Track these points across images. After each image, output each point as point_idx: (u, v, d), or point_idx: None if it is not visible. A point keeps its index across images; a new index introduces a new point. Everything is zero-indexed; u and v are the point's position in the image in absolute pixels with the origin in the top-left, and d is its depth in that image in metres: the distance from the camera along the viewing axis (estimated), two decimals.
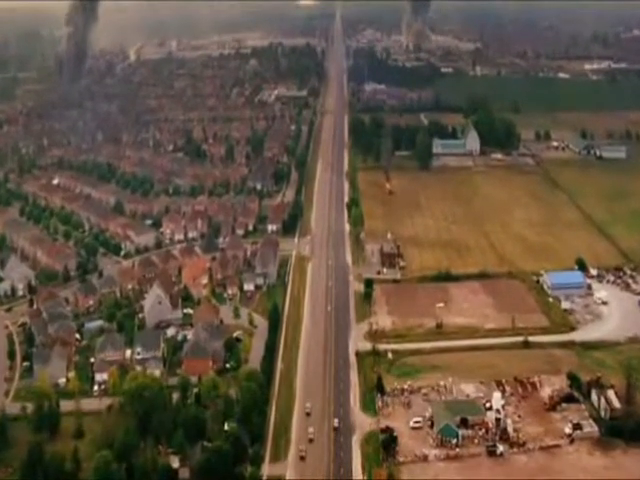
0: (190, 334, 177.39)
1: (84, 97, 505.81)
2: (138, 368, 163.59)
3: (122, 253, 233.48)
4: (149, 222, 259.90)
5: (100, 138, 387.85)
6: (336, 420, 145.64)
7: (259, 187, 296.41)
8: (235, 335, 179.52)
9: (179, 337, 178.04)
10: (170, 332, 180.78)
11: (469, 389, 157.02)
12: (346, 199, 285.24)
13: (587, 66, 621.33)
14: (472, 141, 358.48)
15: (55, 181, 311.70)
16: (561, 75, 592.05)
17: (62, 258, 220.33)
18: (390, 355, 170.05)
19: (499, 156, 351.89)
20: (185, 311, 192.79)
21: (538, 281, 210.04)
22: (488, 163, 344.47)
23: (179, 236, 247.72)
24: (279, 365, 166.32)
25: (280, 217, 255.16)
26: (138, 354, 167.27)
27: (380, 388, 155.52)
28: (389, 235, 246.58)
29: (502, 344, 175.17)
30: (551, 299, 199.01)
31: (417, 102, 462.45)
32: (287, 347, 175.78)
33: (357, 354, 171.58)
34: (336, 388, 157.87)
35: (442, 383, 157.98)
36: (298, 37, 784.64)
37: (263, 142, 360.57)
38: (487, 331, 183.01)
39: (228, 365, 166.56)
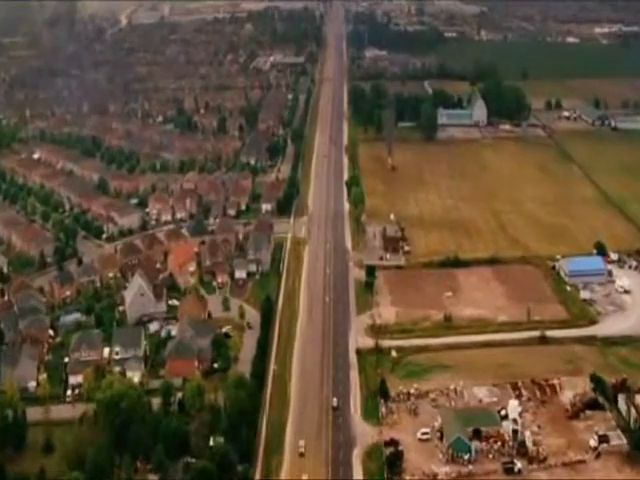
0: (175, 330, 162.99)
1: (71, 64, 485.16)
2: (117, 369, 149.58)
3: (104, 236, 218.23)
4: (134, 201, 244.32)
5: (86, 109, 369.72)
6: (334, 432, 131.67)
7: (253, 162, 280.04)
8: (224, 330, 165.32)
9: (163, 333, 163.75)
10: (153, 327, 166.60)
11: (482, 393, 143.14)
12: (345, 175, 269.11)
13: (597, 30, 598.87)
14: (479, 111, 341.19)
15: (36, 155, 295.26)
16: (570, 39, 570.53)
17: (39, 242, 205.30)
18: (394, 353, 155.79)
19: (508, 127, 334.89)
20: (170, 302, 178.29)
21: (554, 267, 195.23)
22: (496, 135, 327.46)
23: (166, 217, 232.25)
24: (272, 366, 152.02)
25: (275, 196, 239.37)
26: (117, 354, 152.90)
27: (384, 392, 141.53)
28: (392, 216, 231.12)
29: (517, 340, 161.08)
30: (569, 287, 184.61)
31: (420, 69, 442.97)
32: (281, 344, 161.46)
33: (358, 352, 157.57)
34: (335, 392, 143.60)
35: (452, 387, 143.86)
36: (295, 0, 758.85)
37: (257, 113, 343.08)
38: (500, 325, 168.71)
39: (216, 365, 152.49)
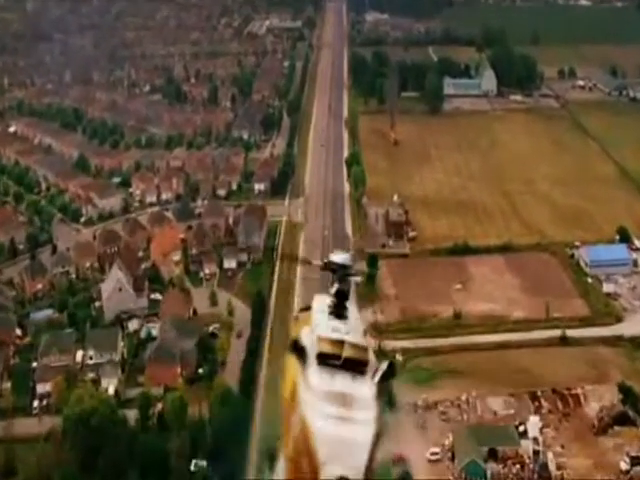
0: (156, 329, 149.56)
1: (54, 29, 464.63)
2: (90, 375, 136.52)
3: (82, 220, 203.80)
4: (117, 180, 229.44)
5: (69, 77, 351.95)
6: None
7: (245, 136, 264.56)
8: (211, 330, 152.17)
9: (143, 333, 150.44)
10: (132, 326, 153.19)
11: (497, 404, 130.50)
12: (345, 151, 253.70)
13: None
14: (488, 80, 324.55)
15: (12, 129, 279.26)
16: (582, 2, 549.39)
17: (10, 228, 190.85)
18: (399, 357, 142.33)
19: (519, 98, 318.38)
20: (153, 296, 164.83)
21: (572, 255, 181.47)
22: (507, 106, 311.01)
23: (151, 198, 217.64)
24: (264, 373, 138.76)
25: (269, 174, 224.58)
26: (90, 358, 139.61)
27: (389, 403, 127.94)
28: (395, 197, 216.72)
29: (534, 340, 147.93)
30: (590, 279, 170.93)
31: (424, 34, 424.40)
32: (274, 346, 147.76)
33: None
34: None
35: (464, 397, 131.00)
36: None
37: (252, 82, 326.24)
38: (515, 322, 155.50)
39: (201, 371, 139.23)
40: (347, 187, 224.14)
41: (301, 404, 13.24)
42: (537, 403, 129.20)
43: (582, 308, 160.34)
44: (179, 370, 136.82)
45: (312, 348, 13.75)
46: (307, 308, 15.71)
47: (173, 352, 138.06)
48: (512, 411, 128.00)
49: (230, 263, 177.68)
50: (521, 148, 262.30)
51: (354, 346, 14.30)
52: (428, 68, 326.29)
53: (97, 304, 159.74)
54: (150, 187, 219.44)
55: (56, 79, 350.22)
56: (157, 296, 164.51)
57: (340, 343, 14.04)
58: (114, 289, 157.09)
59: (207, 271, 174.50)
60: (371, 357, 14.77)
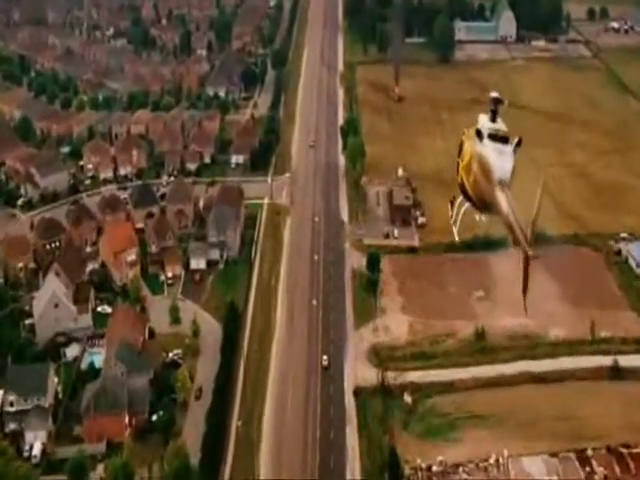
0: (101, 356, 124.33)
1: None
2: (11, 427, 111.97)
3: (19, 203, 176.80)
4: (65, 150, 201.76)
5: (17, 17, 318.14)
6: None
7: (222, 94, 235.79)
8: (171, 357, 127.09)
9: (84, 363, 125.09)
10: (71, 352, 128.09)
11: (535, 467, 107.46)
12: (340, 112, 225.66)
13: None
14: (506, 23, 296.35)
15: None
16: None
17: None
18: (408, 398, 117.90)
19: (542, 43, 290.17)
20: (100, 309, 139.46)
21: (619, 251, 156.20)
22: (529, 54, 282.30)
23: (106, 174, 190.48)
24: (235, 423, 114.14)
25: (248, 144, 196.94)
26: (11, 404, 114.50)
27: (394, 467, 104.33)
28: (400, 170, 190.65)
29: (578, 371, 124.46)
30: None
31: None
32: (249, 381, 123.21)
33: (357, 393, 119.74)
34: (324, 470, 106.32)
35: (493, 458, 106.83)
36: None
37: (231, 25, 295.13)
38: (553, 345, 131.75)
39: (156, 417, 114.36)
40: (342, 160, 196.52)
41: (477, 156, 48.43)
42: (588, 467, 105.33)
43: (635, 324, 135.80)
44: (127, 420, 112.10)
45: (485, 132, 47.97)
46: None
47: (119, 395, 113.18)
48: (555, 478, 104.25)
49: (198, 262, 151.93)
50: (547, 107, 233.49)
51: (503, 130, 47.80)
52: (437, 9, 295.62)
53: (28, 321, 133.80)
54: (105, 160, 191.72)
55: (3, 20, 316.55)
56: (105, 308, 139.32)
57: (497, 129, 47.74)
58: (48, 304, 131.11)
59: (169, 274, 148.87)
60: (510, 136, 47.93)
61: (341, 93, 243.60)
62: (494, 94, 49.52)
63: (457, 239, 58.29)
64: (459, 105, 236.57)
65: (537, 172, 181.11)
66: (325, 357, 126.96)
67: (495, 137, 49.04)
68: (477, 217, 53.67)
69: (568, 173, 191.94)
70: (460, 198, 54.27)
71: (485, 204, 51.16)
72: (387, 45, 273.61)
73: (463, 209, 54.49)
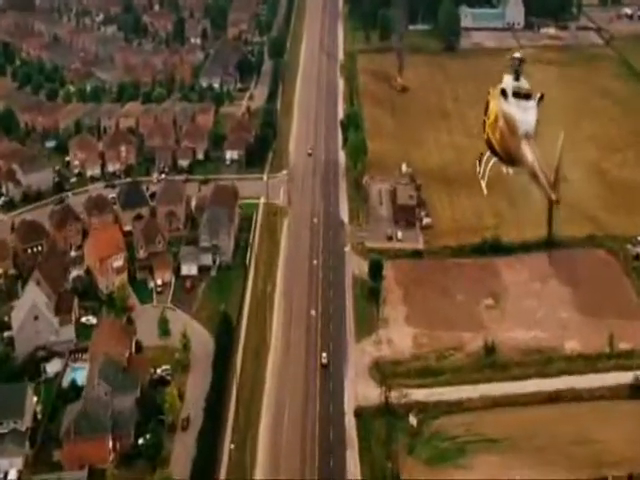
0: (84, 373, 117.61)
1: None
2: None
3: (0, 202, 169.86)
4: (51, 145, 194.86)
5: (1, 2, 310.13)
6: None
7: (217, 85, 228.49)
8: (160, 373, 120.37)
9: (65, 381, 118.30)
10: (52, 368, 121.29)
11: None
12: (340, 105, 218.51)
13: None
14: (514, 9, 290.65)
15: None
16: None
17: None
18: (413, 420, 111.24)
19: (552, 31, 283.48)
20: (85, 319, 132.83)
21: (637, 256, 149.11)
22: (537, 42, 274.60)
23: (93, 170, 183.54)
24: (227, 447, 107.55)
25: (244, 139, 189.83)
26: None
27: None
28: (404, 166, 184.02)
29: (596, 390, 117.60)
30: None
31: None
32: (243, 399, 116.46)
33: (358, 414, 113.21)
34: None
35: None
36: None
37: (226, 12, 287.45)
38: (569, 360, 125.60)
39: (142, 441, 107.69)
40: (342, 157, 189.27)
41: (503, 113, 58.16)
42: None
43: None
44: (110, 444, 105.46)
45: (509, 90, 58.12)
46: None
47: (102, 418, 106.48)
48: None
49: (190, 268, 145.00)
50: (559, 98, 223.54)
51: (526, 88, 57.43)
52: None
53: (7, 334, 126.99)
54: (93, 156, 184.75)
55: None
56: (90, 319, 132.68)
57: (520, 87, 57.17)
58: (28, 316, 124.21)
59: (159, 280, 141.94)
60: (533, 92, 57.84)
61: (341, 84, 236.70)
62: (517, 54, 55.28)
63: (485, 192, 67.51)
64: (466, 96, 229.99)
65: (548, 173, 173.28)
66: (324, 354, 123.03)
67: (519, 95, 54.87)
68: (504, 170, 60.87)
69: (581, 171, 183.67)
70: (487, 154, 61.28)
71: (511, 157, 57.06)
72: (389, 32, 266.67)
73: (490, 164, 62.04)
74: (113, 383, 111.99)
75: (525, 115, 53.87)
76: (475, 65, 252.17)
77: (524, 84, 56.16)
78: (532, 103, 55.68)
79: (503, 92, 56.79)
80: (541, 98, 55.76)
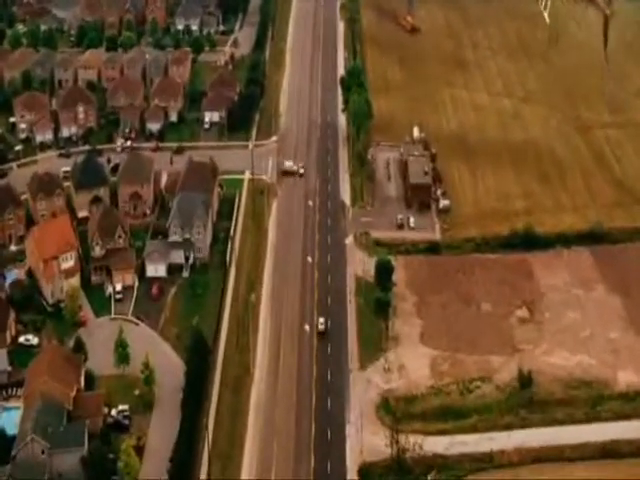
0: (18, 418, 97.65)
1: None
2: None
3: None
4: None
5: None
6: None
7: (195, 27, 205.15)
8: (115, 416, 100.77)
9: None
10: None
11: None
12: (340, 53, 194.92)
13: None
14: None
15: None
16: None
17: None
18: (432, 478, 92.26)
19: None
20: (24, 339, 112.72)
21: None
22: None
23: (44, 136, 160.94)
24: None
25: (226, 97, 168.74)
26: None
27: None
28: (415, 130, 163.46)
29: None
30: None
31: None
32: (219, 451, 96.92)
33: (363, 472, 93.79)
34: None
35: None
36: None
37: None
38: (623, 398, 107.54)
39: None
40: (343, 120, 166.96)
41: None
42: None
43: None
44: None
45: None
46: None
47: None
48: None
49: (157, 269, 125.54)
50: (600, 46, 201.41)
51: None
52: None
53: None
54: (44, 117, 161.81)
55: None
56: (30, 339, 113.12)
57: None
58: None
59: (118, 285, 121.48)
60: None
61: (341, 26, 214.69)
62: None
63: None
64: (487, 42, 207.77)
65: (588, 142, 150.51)
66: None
67: None
68: None
69: (631, 138, 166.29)
70: None
71: None
72: None
73: None
74: (52, 437, 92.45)
75: None
76: (498, 4, 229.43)
77: None
78: None
79: None
80: None
